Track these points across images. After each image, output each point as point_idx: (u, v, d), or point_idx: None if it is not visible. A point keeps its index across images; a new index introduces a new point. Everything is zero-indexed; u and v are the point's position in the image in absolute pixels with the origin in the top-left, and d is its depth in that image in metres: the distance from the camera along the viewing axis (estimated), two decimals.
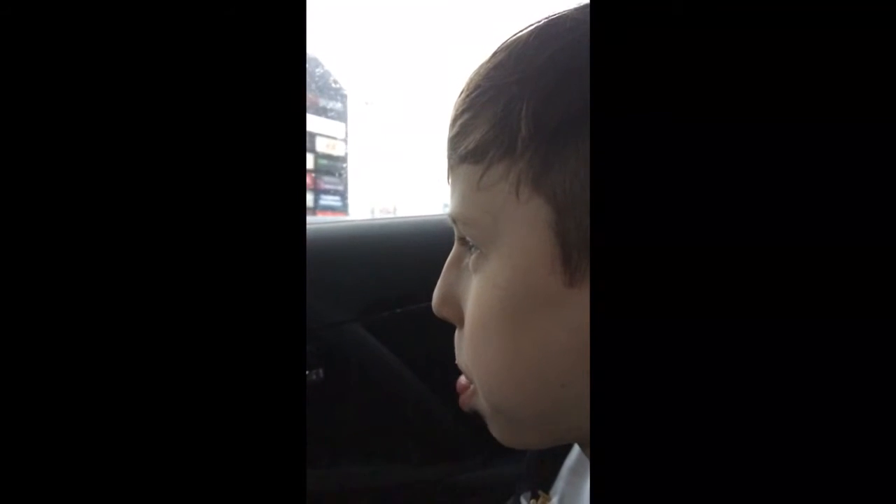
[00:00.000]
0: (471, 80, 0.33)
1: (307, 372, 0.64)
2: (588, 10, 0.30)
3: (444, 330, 0.37)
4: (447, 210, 0.35)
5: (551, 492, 0.42)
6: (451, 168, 0.34)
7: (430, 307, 0.37)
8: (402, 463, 0.69)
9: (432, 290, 0.37)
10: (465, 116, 0.32)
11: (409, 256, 0.75)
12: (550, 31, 0.32)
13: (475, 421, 0.36)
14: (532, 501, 0.42)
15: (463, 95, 0.33)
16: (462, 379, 0.37)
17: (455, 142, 0.33)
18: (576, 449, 0.42)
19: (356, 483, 0.68)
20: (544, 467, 0.43)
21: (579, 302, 0.29)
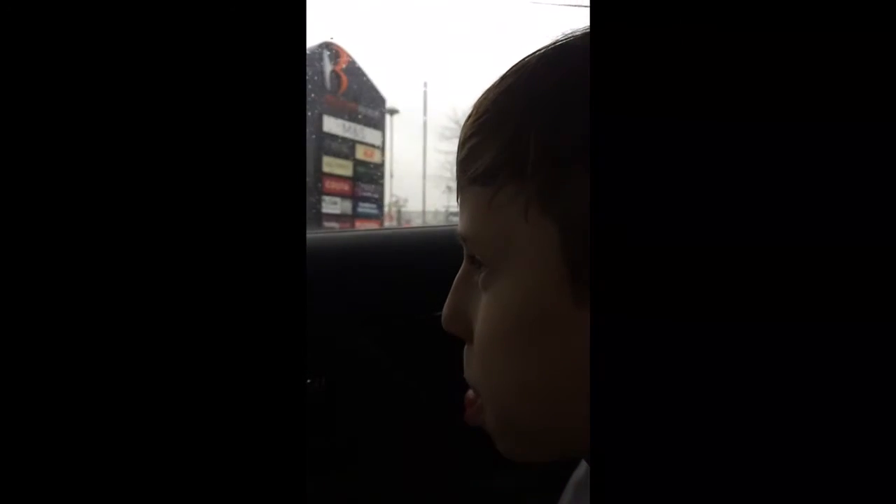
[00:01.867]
0: (479, 104, 0.34)
1: (310, 380, 0.65)
2: None
3: (448, 341, 0.37)
4: (450, 213, 0.36)
5: None
6: (461, 189, 0.35)
7: (435, 318, 0.37)
8: (404, 473, 0.70)
9: (438, 301, 0.37)
10: (474, 140, 0.33)
11: (415, 267, 0.75)
12: (558, 57, 0.32)
13: (478, 433, 0.37)
14: None
15: (472, 119, 0.34)
16: (470, 393, 0.38)
17: (464, 164, 0.34)
18: (583, 463, 0.42)
19: (357, 492, 0.68)
20: (550, 481, 0.43)
21: (587, 321, 0.30)
